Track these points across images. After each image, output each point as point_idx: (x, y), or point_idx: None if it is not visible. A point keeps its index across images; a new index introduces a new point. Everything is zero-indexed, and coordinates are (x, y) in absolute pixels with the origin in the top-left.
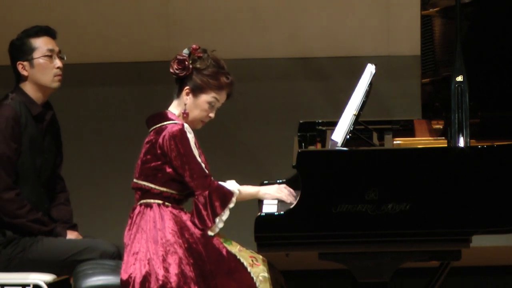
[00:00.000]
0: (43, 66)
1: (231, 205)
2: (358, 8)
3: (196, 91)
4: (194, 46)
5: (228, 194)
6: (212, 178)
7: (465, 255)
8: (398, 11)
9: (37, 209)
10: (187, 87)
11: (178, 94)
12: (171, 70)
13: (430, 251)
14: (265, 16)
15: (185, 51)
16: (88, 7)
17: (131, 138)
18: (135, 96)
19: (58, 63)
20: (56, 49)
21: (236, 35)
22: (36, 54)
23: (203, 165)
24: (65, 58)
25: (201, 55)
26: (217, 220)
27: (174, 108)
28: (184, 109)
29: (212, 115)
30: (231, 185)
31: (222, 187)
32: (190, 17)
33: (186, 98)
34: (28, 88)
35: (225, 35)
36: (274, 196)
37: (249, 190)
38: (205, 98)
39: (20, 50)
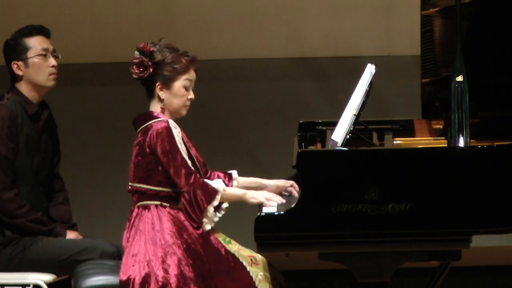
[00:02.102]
0: (38, 66)
1: (215, 202)
2: (358, 8)
3: (167, 83)
4: (141, 44)
5: (213, 191)
6: (197, 175)
7: (465, 255)
8: (398, 11)
9: (36, 209)
10: (158, 84)
11: (151, 94)
12: (135, 76)
13: (430, 251)
14: (265, 16)
15: (136, 53)
16: (88, 7)
17: (130, 138)
18: (135, 96)
19: (52, 62)
20: (51, 48)
21: (236, 35)
22: (30, 54)
23: (189, 162)
24: (60, 57)
25: (153, 48)
26: (203, 216)
27: (154, 108)
28: (163, 104)
29: (191, 96)
30: (216, 183)
31: (207, 185)
32: (190, 17)
33: (161, 93)
34: (23, 87)
35: (225, 35)
36: (260, 201)
37: (235, 191)
38: (179, 84)
39: (14, 50)
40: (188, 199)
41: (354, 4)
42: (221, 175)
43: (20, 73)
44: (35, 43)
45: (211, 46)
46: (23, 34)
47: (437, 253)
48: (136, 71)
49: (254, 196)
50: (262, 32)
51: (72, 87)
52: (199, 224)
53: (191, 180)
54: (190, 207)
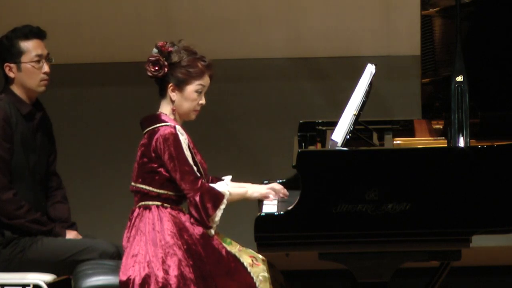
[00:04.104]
0: (30, 71)
1: (223, 206)
2: (358, 8)
3: (180, 85)
4: (160, 43)
5: (219, 195)
6: (203, 180)
7: (465, 255)
8: (398, 11)
9: (35, 208)
10: (170, 84)
11: (163, 94)
12: (149, 74)
13: (430, 251)
14: (265, 16)
15: (154, 51)
16: (88, 7)
17: (130, 138)
18: (135, 96)
19: (45, 68)
20: (45, 52)
21: (236, 35)
22: (24, 59)
23: (194, 168)
24: (53, 61)
25: (172, 49)
26: (210, 221)
27: (164, 108)
28: (174, 106)
29: (202, 101)
30: (221, 186)
31: (213, 189)
32: (190, 17)
33: (173, 94)
34: (15, 88)
35: (225, 35)
36: (262, 195)
37: (238, 191)
38: (191, 88)
39: (8, 51)
40: (194, 204)
41: (354, 4)
42: (214, 180)
43: (12, 75)
44: (30, 48)
45: (211, 46)
46: (18, 36)
47: (437, 253)
48: (151, 69)
49: (256, 190)
50: (262, 32)
51: (72, 87)
52: (207, 229)
53: (197, 186)
54: (196, 213)
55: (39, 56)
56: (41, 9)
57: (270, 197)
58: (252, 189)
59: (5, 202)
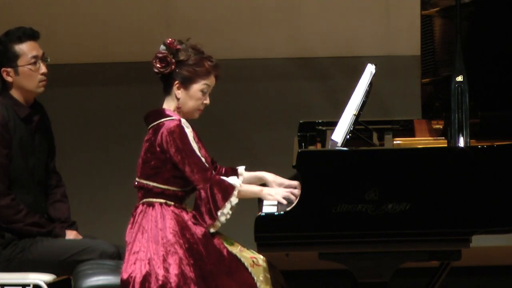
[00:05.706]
0: (28, 74)
1: (233, 198)
2: (358, 8)
3: (186, 83)
4: (169, 40)
5: (230, 187)
6: (213, 171)
7: (465, 255)
8: (398, 11)
9: (35, 210)
10: (176, 82)
11: (168, 91)
12: (155, 70)
13: (430, 251)
14: (265, 16)
15: (162, 48)
16: (88, 7)
17: (131, 138)
18: (135, 96)
19: (43, 68)
20: (40, 53)
21: (236, 35)
22: (20, 62)
23: (203, 159)
24: (49, 60)
25: (180, 46)
26: (219, 213)
27: (168, 105)
28: (178, 104)
29: (207, 101)
30: (233, 179)
31: (224, 181)
32: (190, 17)
33: (178, 92)
34: (13, 92)
35: (225, 35)
36: (277, 199)
37: (252, 188)
38: (197, 87)
39: (4, 56)
40: (204, 196)
41: (354, 4)
42: (229, 170)
43: (9, 79)
44: (26, 50)
45: (211, 46)
46: (12, 40)
47: (437, 253)
48: (158, 66)
49: (271, 193)
50: (262, 32)
51: (72, 87)
52: (214, 221)
53: (208, 177)
54: (205, 204)
55: (35, 57)
56: (41, 9)
57: (284, 202)
58: (268, 191)
59: (3, 207)
